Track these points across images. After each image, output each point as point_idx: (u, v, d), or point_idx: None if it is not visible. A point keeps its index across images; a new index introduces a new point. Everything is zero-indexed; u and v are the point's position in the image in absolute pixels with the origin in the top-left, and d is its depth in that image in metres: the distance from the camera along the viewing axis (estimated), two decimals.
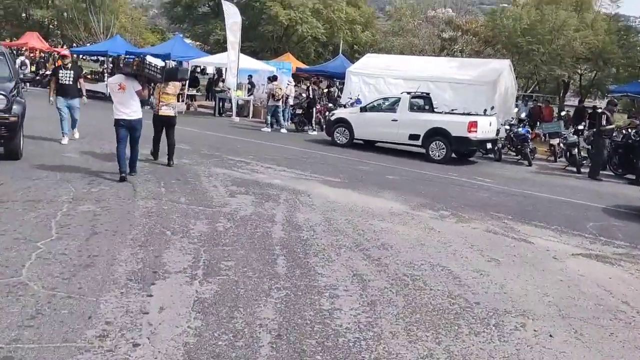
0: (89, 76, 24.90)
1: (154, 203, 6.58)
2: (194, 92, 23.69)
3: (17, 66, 10.86)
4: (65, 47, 36.03)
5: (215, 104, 22.24)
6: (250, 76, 21.73)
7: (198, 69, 26.81)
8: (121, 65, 10.23)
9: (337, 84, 25.87)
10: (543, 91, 27.78)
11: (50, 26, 41.73)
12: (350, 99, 20.18)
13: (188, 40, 33.66)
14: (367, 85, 20.82)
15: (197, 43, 35.53)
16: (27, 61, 26.74)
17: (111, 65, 25.15)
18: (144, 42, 38.24)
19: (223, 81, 22.69)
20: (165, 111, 9.03)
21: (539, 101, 22.56)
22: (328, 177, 9.66)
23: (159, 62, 8.20)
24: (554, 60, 19.44)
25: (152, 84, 9.19)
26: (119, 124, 7.66)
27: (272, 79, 18.32)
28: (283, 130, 17.39)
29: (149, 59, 7.98)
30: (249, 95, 21.85)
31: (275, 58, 26.83)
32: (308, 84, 21.47)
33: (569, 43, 18.44)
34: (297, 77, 25.36)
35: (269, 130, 17.35)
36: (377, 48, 33.83)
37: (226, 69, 21.02)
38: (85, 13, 36.96)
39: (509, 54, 25.23)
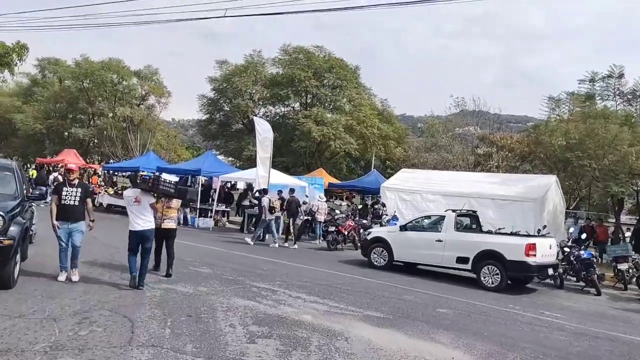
0: (119, 191, 24.62)
1: (152, 354, 5.16)
2: (223, 207, 22.97)
3: (27, 183, 9.94)
4: (99, 163, 36.74)
5: (243, 219, 21.33)
6: (280, 191, 20.92)
7: (229, 184, 26.36)
8: (138, 181, 9.47)
9: (368, 200, 24.85)
10: (591, 209, 26.12)
11: (90, 144, 43.08)
12: (386, 215, 19.02)
13: (222, 157, 33.88)
14: (403, 202, 19.74)
15: (230, 159, 35.77)
16: (60, 177, 26.82)
17: (128, 180, 24.84)
18: (178, 159, 38.75)
19: (251, 191, 21.89)
20: (167, 224, 9.68)
21: (592, 219, 20.87)
22: (368, 310, 8.13)
23: (173, 178, 9.07)
24: (607, 176, 18.10)
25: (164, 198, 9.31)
26: (131, 235, 8.35)
27: (263, 192, 17.39)
28: (274, 245, 16.27)
29: (164, 176, 8.98)
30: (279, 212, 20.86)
31: (307, 173, 26.32)
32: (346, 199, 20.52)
33: (624, 158, 17.20)
34: (330, 192, 24.57)
35: (252, 243, 16.20)
36: (410, 164, 33.30)
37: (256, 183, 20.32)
38: (124, 131, 38.12)
39: (547, 169, 24.10)
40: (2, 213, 7.07)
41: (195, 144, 60.29)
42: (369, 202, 22.79)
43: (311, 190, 21.29)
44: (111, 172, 31.82)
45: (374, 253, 13.40)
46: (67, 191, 8.19)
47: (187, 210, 21.61)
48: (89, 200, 8.43)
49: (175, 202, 9.76)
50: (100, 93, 40.18)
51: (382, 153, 32.97)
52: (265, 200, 16.60)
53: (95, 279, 8.70)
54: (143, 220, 8.25)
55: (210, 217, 21.56)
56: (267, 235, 17.19)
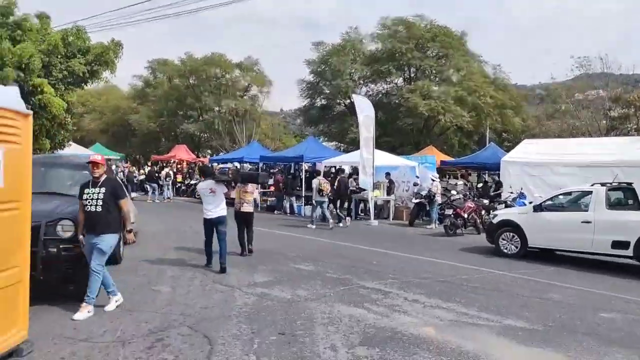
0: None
1: None
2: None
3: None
4: (206, 156, 37.49)
5: (347, 206, 20.00)
6: (387, 174, 19.35)
7: (333, 169, 25.22)
8: (216, 173, 9.74)
9: (486, 176, 22.36)
10: None
11: (201, 138, 44.38)
12: (511, 193, 16.68)
13: (326, 143, 32.89)
14: (530, 177, 17.22)
15: (334, 143, 34.72)
16: (171, 172, 27.47)
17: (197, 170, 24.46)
18: (284, 147, 38.60)
19: (357, 175, 20.50)
20: (245, 208, 10.30)
21: None
22: (507, 318, 6.37)
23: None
24: None
25: (234, 184, 9.75)
26: (206, 222, 8.86)
27: (317, 174, 17.33)
28: (330, 226, 15.81)
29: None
30: (388, 195, 19.33)
31: (416, 152, 24.38)
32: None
33: None
34: (443, 171, 22.47)
35: (314, 227, 15.79)
36: (530, 134, 30.00)
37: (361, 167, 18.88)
38: (230, 124, 38.62)
39: None
40: (71, 218, 6.29)
41: (304, 132, 60.21)
42: (488, 180, 20.33)
43: (422, 169, 19.43)
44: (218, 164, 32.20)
45: (503, 239, 11.39)
46: (88, 193, 6.12)
47: (293, 199, 20.81)
48: (122, 203, 6.21)
49: (251, 187, 10.43)
50: (205, 88, 41.06)
51: (497, 125, 29.98)
52: (315, 182, 16.25)
53: (186, 282, 7.82)
54: (218, 209, 8.80)
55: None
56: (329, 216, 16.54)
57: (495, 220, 11.83)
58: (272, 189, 22.19)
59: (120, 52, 16.57)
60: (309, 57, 32.20)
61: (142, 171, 32.02)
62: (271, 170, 25.15)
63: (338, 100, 33.04)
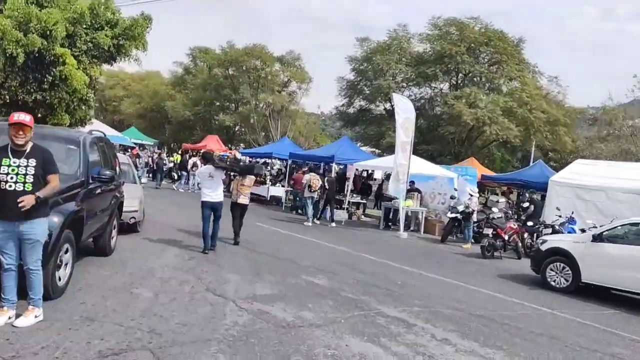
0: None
1: None
2: (358, 199, 20.49)
3: (107, 162, 8.12)
4: (236, 148, 36.60)
5: (382, 214, 18.61)
6: (412, 182, 17.72)
7: (365, 174, 23.84)
8: (216, 159, 9.89)
9: (527, 196, 20.54)
10: None
11: (235, 131, 43.64)
12: (559, 217, 14.97)
13: (366, 149, 31.43)
14: (581, 201, 15.45)
15: (369, 148, 33.22)
16: (199, 162, 26.58)
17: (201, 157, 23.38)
18: (317, 146, 37.41)
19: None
20: (242, 200, 10.59)
21: None
22: None
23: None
24: None
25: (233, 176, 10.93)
26: (205, 205, 9.42)
27: (308, 170, 18.02)
28: (307, 224, 16.00)
29: (237, 155, 10.50)
30: (420, 206, 17.83)
31: (456, 163, 22.74)
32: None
33: None
34: (482, 186, 20.80)
35: (310, 224, 16.00)
36: (579, 156, 27.89)
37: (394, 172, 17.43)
38: (266, 118, 37.67)
39: None
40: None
41: (341, 135, 58.85)
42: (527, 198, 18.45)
43: (461, 182, 17.84)
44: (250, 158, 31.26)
45: (551, 269, 9.82)
46: (9, 165, 4.59)
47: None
48: (52, 178, 4.76)
49: (249, 181, 10.70)
50: (244, 80, 40.26)
51: (547, 142, 27.93)
52: (306, 177, 16.73)
53: (175, 287, 6.64)
54: (215, 193, 9.48)
55: (344, 209, 19.20)
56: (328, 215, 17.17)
57: (543, 247, 10.25)
58: (295, 186, 20.94)
59: (149, 27, 15.60)
60: (352, 54, 30.92)
61: (171, 158, 31.34)
62: (303, 169, 23.97)
63: (377, 103, 31.55)
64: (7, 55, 12.97)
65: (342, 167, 21.02)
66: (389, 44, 29.30)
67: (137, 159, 25.71)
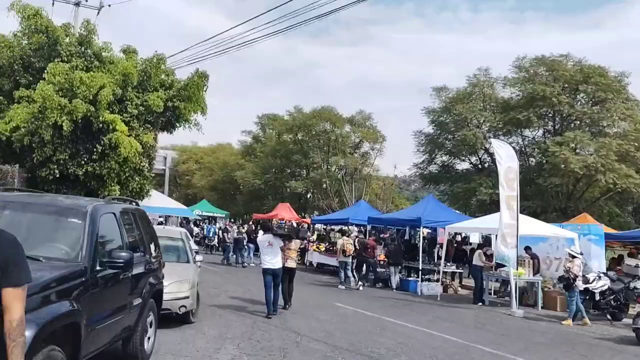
0: (330, 248, 20.71)
1: None
2: (453, 267, 17.38)
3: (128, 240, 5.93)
4: (309, 216, 34.49)
5: (476, 285, 15.45)
6: (527, 248, 14.61)
7: (458, 238, 20.67)
8: (274, 227, 11.07)
9: None
10: None
11: (308, 197, 41.91)
12: None
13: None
14: None
15: (457, 209, 29.92)
16: (261, 232, 24.55)
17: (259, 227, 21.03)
18: (395, 208, 34.61)
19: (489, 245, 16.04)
20: (289, 264, 10.84)
21: None
22: None
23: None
24: None
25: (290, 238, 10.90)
26: (266, 272, 10.03)
27: (342, 232, 17.92)
28: (352, 285, 16.03)
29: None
30: (535, 275, 14.51)
31: (564, 220, 19.13)
32: None
33: None
34: (607, 246, 17.05)
35: (343, 287, 15.97)
36: None
37: (496, 235, 14.38)
38: (339, 182, 35.68)
39: None
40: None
41: (419, 197, 55.65)
42: None
43: (585, 243, 14.44)
44: (324, 225, 28.95)
45: None
46: None
47: (398, 269, 16.75)
48: (10, 297, 2.42)
49: (294, 245, 11.27)
50: (313, 144, 38.89)
51: None
52: (339, 243, 16.73)
53: None
54: (275, 260, 10.04)
55: (437, 280, 16.21)
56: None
57: None
58: (381, 258, 18.27)
59: (206, 86, 14.03)
60: (429, 106, 28.36)
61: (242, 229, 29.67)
62: (381, 235, 21.24)
63: (462, 157, 28.56)
64: (51, 124, 11.68)
65: (431, 231, 18.15)
66: (470, 92, 26.60)
67: (226, 234, 23.84)
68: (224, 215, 38.97)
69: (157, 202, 20.17)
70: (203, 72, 13.93)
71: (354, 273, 16.43)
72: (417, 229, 18.34)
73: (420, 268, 16.20)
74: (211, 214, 37.38)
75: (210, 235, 30.42)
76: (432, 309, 13.10)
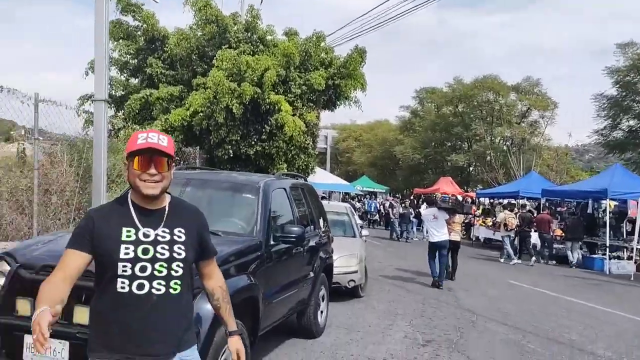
0: (497, 222, 19.46)
1: None
2: None
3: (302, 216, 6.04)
4: (472, 190, 32.85)
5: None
6: None
7: None
8: (438, 201, 10.70)
9: None
10: None
11: (471, 170, 40.14)
12: None
13: None
14: None
15: None
16: (394, 202, 24.26)
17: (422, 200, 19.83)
18: (571, 180, 31.44)
19: None
20: (453, 237, 10.84)
21: None
22: None
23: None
24: None
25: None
26: (432, 244, 10.39)
27: (505, 206, 17.43)
28: (511, 261, 15.29)
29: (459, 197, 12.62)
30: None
31: None
32: None
33: None
34: None
35: (511, 262, 15.25)
36: None
37: None
38: (505, 154, 33.49)
39: None
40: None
41: (595, 169, 50.00)
42: None
43: None
44: (491, 199, 27.40)
45: None
46: (130, 241, 2.12)
47: (578, 245, 15.18)
48: (213, 267, 2.43)
49: (458, 218, 11.42)
50: (475, 115, 36.95)
51: None
52: (500, 216, 16.42)
53: None
54: (440, 233, 10.26)
55: (630, 259, 14.35)
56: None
57: None
58: (558, 234, 16.74)
59: (363, 62, 13.86)
60: (612, 65, 24.88)
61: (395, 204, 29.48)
62: (558, 209, 19.43)
63: None
64: (224, 107, 12.48)
65: (619, 203, 16.05)
66: None
67: (391, 210, 24.20)
68: (384, 191, 39.18)
69: (320, 178, 20.80)
70: (362, 48, 13.79)
71: (528, 248, 15.88)
72: (602, 202, 16.33)
73: (608, 244, 14.43)
74: (371, 189, 37.79)
75: (372, 210, 30.77)
76: (626, 290, 11.61)
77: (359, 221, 14.13)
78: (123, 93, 14.72)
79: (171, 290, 2.15)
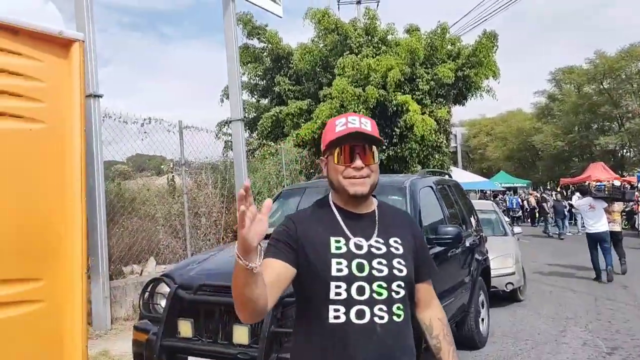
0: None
1: None
2: None
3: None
4: (630, 174, 29.18)
5: None
6: None
7: None
8: (593, 190, 9.80)
9: None
10: None
11: (626, 153, 36.01)
12: None
13: None
14: None
15: None
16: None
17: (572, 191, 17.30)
18: None
19: None
20: (611, 227, 9.99)
21: None
22: None
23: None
24: None
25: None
26: (591, 236, 9.70)
27: None
28: None
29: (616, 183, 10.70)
30: None
31: None
32: None
33: None
34: None
35: None
36: None
37: None
38: None
39: None
40: None
41: None
42: None
43: None
44: None
45: None
46: (341, 254, 1.64)
47: None
48: (430, 292, 1.90)
49: (618, 207, 10.50)
50: (625, 89, 33.09)
51: None
52: None
53: None
54: (599, 224, 9.52)
55: None
56: None
57: None
58: None
59: (495, 47, 12.92)
60: None
61: (536, 196, 27.24)
62: None
63: None
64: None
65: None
66: None
67: (545, 204, 22.54)
68: (525, 185, 36.63)
69: (457, 177, 19.86)
70: (491, 32, 12.89)
71: None
72: None
73: None
74: (511, 185, 35.50)
75: (514, 206, 28.77)
76: None
77: (506, 218, 13.17)
78: (255, 114, 15.32)
79: (395, 318, 1.65)
